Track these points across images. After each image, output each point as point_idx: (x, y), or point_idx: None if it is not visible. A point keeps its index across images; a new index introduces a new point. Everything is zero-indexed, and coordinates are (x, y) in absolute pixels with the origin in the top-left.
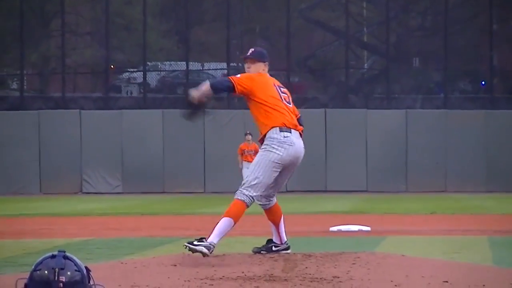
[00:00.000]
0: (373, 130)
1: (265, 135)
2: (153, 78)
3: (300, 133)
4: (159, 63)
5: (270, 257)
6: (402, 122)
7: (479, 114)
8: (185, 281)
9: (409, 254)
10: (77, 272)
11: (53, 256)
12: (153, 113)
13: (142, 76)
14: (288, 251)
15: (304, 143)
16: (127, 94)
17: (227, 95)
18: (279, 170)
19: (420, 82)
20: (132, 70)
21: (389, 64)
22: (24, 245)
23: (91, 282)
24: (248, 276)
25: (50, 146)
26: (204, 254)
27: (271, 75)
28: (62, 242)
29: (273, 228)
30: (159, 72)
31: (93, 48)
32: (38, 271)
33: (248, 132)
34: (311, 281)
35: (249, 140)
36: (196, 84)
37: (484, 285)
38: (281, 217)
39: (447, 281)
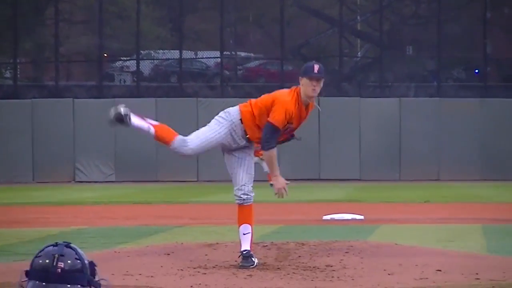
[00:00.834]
0: (366, 118)
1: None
2: (146, 67)
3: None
4: (152, 52)
5: (263, 246)
6: (396, 110)
7: (473, 102)
8: (178, 270)
9: (403, 242)
10: (78, 261)
11: (55, 245)
12: (147, 102)
13: (135, 64)
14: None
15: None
16: (121, 83)
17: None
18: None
19: (413, 70)
20: (125, 58)
21: (383, 52)
22: (18, 234)
23: (96, 278)
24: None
25: (43, 135)
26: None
27: (264, 63)
28: (56, 231)
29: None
30: (153, 61)
31: (87, 36)
32: (38, 258)
33: None
34: (304, 270)
35: None
36: (189, 73)
37: (477, 273)
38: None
39: (440, 270)
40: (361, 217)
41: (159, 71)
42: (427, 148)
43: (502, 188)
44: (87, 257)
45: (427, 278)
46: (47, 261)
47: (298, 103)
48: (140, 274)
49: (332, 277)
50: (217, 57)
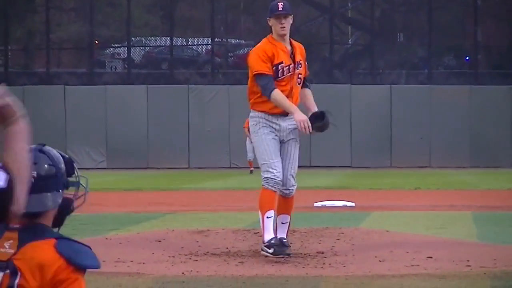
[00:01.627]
0: (357, 105)
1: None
2: (137, 54)
3: None
4: (143, 39)
5: (255, 233)
6: (387, 98)
7: (463, 90)
8: (169, 257)
9: (394, 229)
10: (52, 167)
11: (29, 151)
12: (138, 89)
13: (126, 51)
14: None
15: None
16: (112, 70)
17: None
18: None
19: (404, 57)
20: (116, 45)
21: (374, 39)
22: None
23: (76, 173)
24: (232, 252)
25: (34, 122)
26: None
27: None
28: None
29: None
30: (144, 48)
31: (78, 23)
32: None
33: None
34: (296, 257)
35: None
36: (180, 60)
37: (468, 260)
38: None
39: (431, 257)
40: (352, 204)
41: (150, 58)
42: (417, 135)
43: (492, 176)
44: (61, 156)
45: (418, 265)
46: None
47: (272, 44)
48: (131, 261)
49: (323, 264)
50: (208, 44)
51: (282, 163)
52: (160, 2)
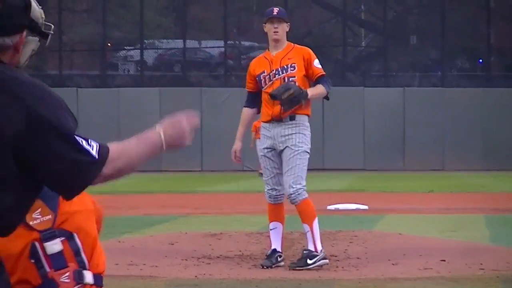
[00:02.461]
0: (370, 108)
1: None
2: (150, 56)
3: None
4: (156, 41)
5: (267, 236)
6: (400, 100)
7: (476, 92)
8: (182, 260)
9: (407, 232)
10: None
11: None
12: (150, 91)
13: (139, 53)
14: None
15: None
16: (124, 72)
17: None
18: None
19: (417, 59)
20: (129, 47)
21: (387, 41)
22: None
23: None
24: (245, 255)
25: None
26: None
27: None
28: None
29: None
30: (156, 50)
31: (90, 25)
32: None
33: None
34: None
35: None
36: (193, 62)
37: (481, 264)
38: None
39: (444, 260)
40: (365, 207)
41: (163, 61)
42: (431, 138)
43: (505, 178)
44: None
45: (431, 268)
46: None
47: (260, 56)
48: (144, 264)
49: (336, 267)
50: (221, 47)
51: (283, 172)
52: (173, 4)
